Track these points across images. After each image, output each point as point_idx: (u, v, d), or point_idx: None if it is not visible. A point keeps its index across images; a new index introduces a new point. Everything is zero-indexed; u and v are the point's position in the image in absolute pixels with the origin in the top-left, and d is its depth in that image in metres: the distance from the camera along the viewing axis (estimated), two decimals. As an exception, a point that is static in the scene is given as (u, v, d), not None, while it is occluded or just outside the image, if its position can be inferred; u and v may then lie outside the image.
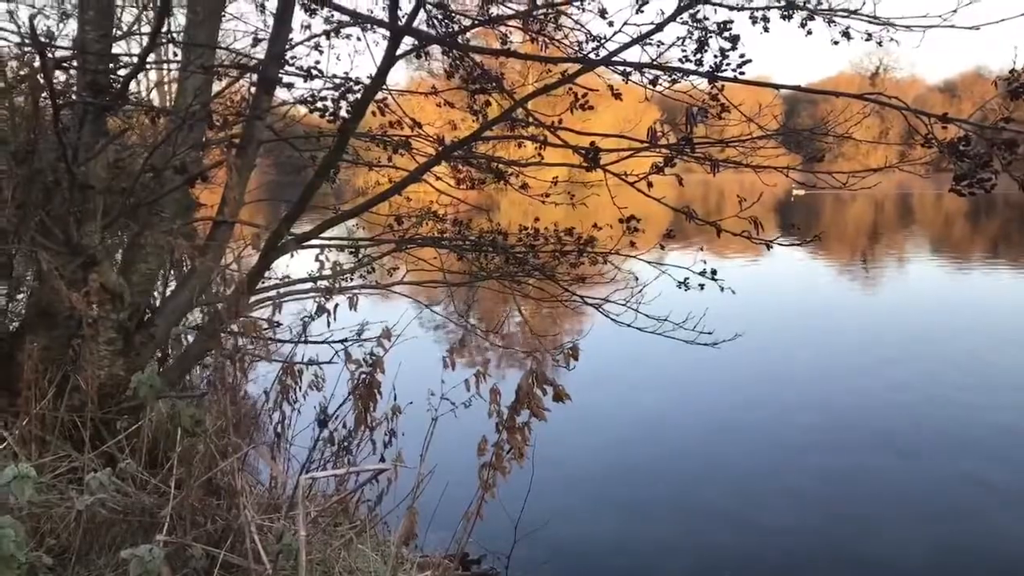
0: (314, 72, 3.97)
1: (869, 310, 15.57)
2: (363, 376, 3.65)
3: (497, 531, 4.36)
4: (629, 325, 4.71)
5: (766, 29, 4.24)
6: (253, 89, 4.38)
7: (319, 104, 4.08)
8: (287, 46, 4.47)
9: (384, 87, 4.13)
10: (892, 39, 4.42)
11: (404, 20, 3.47)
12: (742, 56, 3.59)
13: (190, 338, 4.86)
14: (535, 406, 3.15)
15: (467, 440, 3.48)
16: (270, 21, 4.80)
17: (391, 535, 3.80)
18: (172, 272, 5.30)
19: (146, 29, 7.69)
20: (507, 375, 8.47)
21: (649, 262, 4.91)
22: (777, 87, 4.01)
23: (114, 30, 4.74)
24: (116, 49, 5.03)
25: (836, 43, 4.46)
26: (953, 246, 27.37)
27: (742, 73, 3.59)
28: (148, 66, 4.27)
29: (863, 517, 6.02)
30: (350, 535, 3.45)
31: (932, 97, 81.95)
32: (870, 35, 4.37)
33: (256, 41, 4.34)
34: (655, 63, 3.90)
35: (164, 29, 3.60)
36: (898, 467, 7.05)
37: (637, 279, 4.96)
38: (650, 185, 3.62)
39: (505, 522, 4.26)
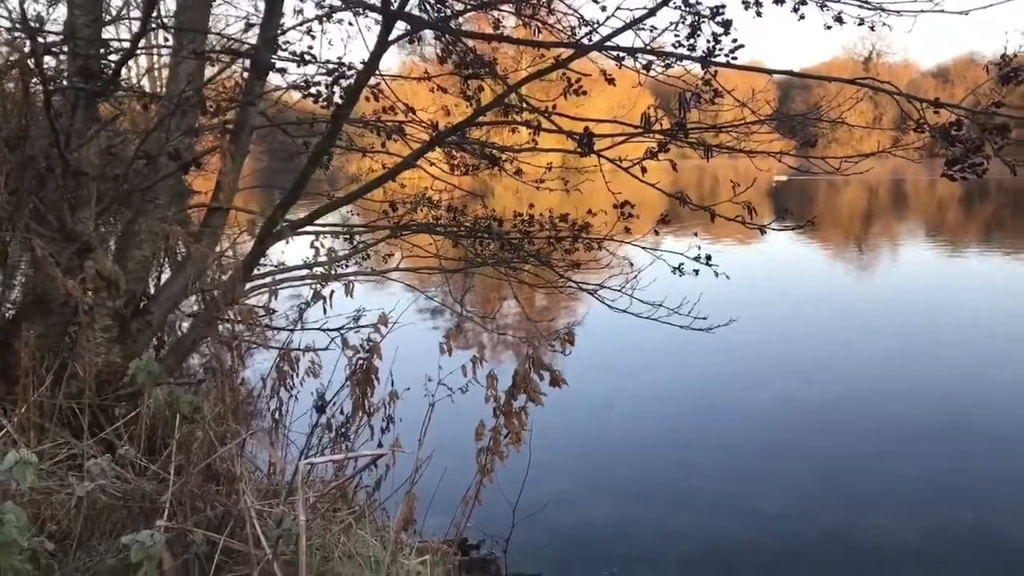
0: (307, 57, 3.95)
1: (864, 294, 15.65)
2: (360, 362, 3.66)
3: (496, 515, 4.39)
4: (624, 311, 4.73)
5: (759, 14, 4.24)
6: (246, 75, 4.36)
7: (313, 89, 4.07)
8: (279, 31, 4.45)
9: (377, 72, 4.11)
10: (884, 23, 4.43)
11: (397, 4, 3.47)
12: (735, 41, 3.60)
13: (186, 325, 4.87)
14: (532, 391, 3.18)
15: (465, 426, 3.50)
16: (261, 6, 4.78)
17: (390, 520, 3.83)
18: (167, 259, 5.30)
19: (136, 14, 7.63)
20: (503, 361, 8.50)
21: (644, 248, 4.93)
22: (770, 72, 4.02)
23: (103, 15, 4.71)
24: (106, 34, 5.00)
25: (829, 28, 4.45)
26: (947, 231, 27.48)
27: (735, 58, 3.60)
28: (139, 52, 4.24)
29: (860, 501, 6.08)
30: (349, 520, 3.47)
31: (925, 82, 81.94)
32: (862, 20, 4.38)
33: (248, 26, 4.32)
34: (648, 48, 3.90)
35: (154, 14, 3.58)
36: (895, 451, 7.11)
37: (632, 265, 4.98)
38: (644, 171, 3.63)
39: (503, 506, 4.29)
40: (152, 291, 4.81)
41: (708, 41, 3.60)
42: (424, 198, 5.84)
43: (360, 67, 4.79)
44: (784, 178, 38.08)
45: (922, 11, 3.67)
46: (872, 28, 4.49)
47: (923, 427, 7.73)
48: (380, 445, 4.11)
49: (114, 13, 6.81)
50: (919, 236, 26.29)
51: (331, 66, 4.09)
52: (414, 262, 5.79)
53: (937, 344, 10.96)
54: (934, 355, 10.43)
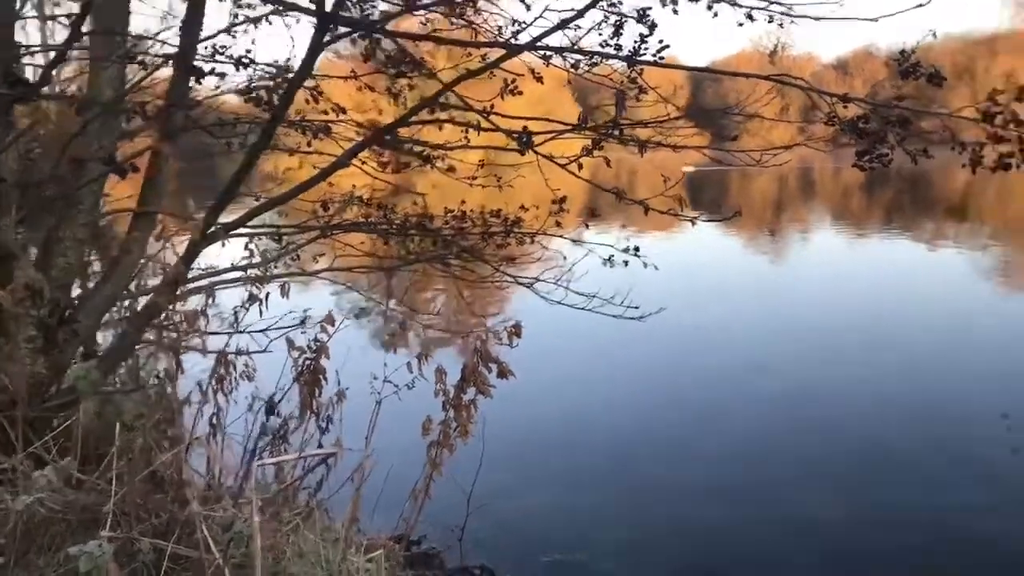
0: (244, 61, 3.91)
1: (780, 279, 16.38)
2: (308, 362, 3.67)
3: (446, 509, 4.45)
4: (560, 303, 4.86)
5: (675, 12, 4.43)
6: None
7: (255, 94, 4.03)
8: (204, 33, 4.37)
9: (313, 74, 4.11)
10: (792, 22, 4.68)
11: (331, 6, 3.48)
12: (661, 42, 3.75)
13: (112, 332, 4.74)
14: (481, 383, 3.25)
15: (412, 422, 3.54)
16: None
17: (338, 519, 3.85)
18: (95, 265, 5.14)
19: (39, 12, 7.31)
20: (446, 357, 8.54)
21: (575, 241, 5.07)
22: (692, 69, 4.21)
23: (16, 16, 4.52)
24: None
25: (741, 24, 4.69)
26: (853, 216, 28.94)
27: (661, 58, 3.75)
28: (68, 59, 4.10)
29: (790, 482, 6.40)
30: (296, 521, 3.48)
31: (827, 74, 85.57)
32: (772, 18, 4.61)
33: (181, 30, 4.23)
34: (577, 48, 4.02)
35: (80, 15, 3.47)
36: (822, 432, 7.50)
37: (565, 258, 5.12)
38: (580, 167, 3.76)
39: (453, 500, 4.35)
40: (79, 299, 4.66)
41: (635, 42, 3.74)
42: (355, 197, 5.82)
43: (282, 65, 4.77)
44: (693, 168, 39.76)
45: (830, 17, 3.90)
46: (781, 26, 4.74)
47: (844, 408, 8.18)
48: (320, 446, 4.12)
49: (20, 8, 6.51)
50: (830, 221, 27.60)
51: (271, 70, 4.06)
52: (348, 261, 5.77)
53: (850, 326, 11.59)
54: (849, 336, 11.02)
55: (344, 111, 5.24)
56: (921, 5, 3.44)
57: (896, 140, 3.72)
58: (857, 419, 7.81)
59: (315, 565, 3.31)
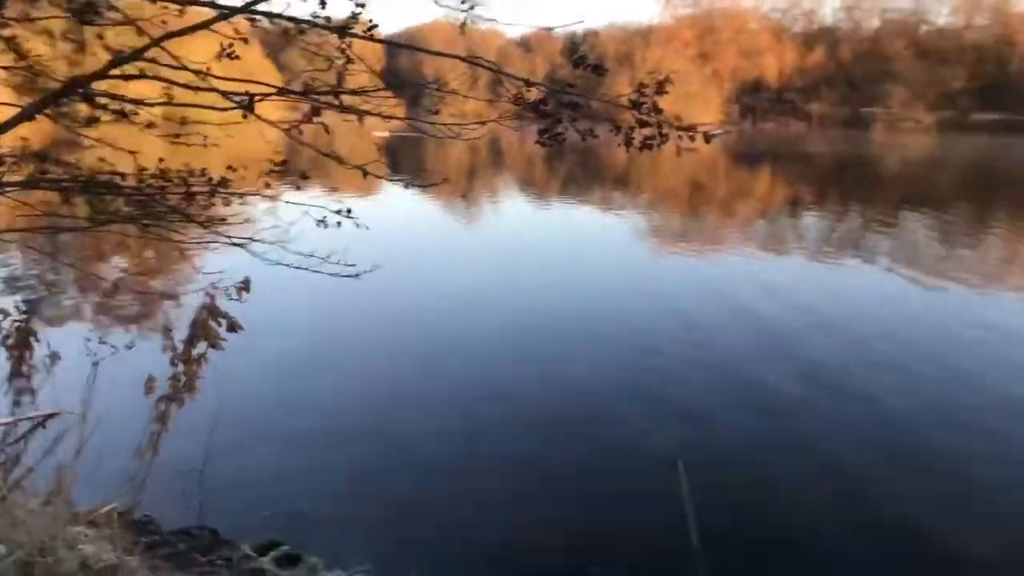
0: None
1: (474, 240, 17.69)
2: (15, 324, 3.44)
3: (177, 470, 4.37)
4: (278, 263, 4.96)
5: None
6: None
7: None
8: None
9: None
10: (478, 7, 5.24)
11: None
12: (371, 21, 4.05)
13: None
14: (212, 337, 3.35)
15: (136, 383, 3.47)
16: None
17: (52, 486, 3.67)
18: None
19: None
20: (161, 317, 8.14)
21: (289, 202, 5.17)
22: (401, 46, 4.58)
23: None
24: None
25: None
26: (537, 185, 31.79)
27: (372, 34, 4.06)
28: None
29: (496, 426, 7.15)
30: (4, 491, 3.30)
31: (511, 49, 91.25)
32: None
33: None
34: (291, 16, 4.15)
35: None
36: (522, 371, 8.52)
37: (280, 218, 5.20)
38: (302, 132, 3.93)
39: (184, 461, 4.28)
40: None
41: (348, 16, 3.99)
42: (36, 152, 5.29)
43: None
44: (388, 134, 41.06)
45: (515, 24, 4.48)
46: (473, 8, 5.30)
47: (538, 346, 9.36)
48: (13, 414, 3.86)
49: None
50: (517, 189, 30.06)
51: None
52: (31, 222, 5.26)
53: (537, 283, 13.09)
54: (538, 291, 12.45)
55: (25, 57, 4.77)
56: (581, 22, 4.15)
57: (569, 121, 4.44)
58: (552, 357, 9.02)
59: (29, 534, 3.19)
